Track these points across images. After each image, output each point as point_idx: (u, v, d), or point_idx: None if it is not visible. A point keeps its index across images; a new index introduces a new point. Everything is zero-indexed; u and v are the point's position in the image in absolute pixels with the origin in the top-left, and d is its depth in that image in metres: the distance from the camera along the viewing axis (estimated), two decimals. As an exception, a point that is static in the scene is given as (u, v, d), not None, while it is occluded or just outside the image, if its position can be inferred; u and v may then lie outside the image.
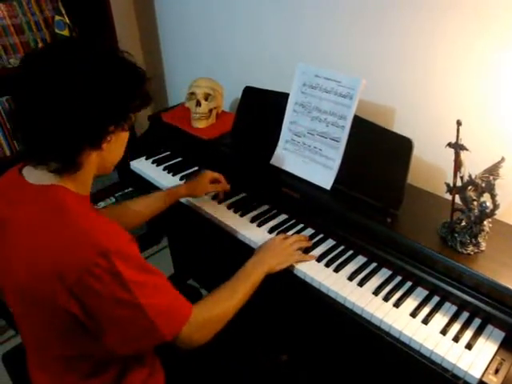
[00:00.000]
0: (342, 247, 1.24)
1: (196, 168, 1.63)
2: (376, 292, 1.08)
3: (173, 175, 1.59)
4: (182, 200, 1.45)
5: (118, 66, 0.84)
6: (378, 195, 1.22)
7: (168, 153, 1.73)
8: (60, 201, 0.80)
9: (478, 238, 1.07)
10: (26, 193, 0.83)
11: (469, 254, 1.06)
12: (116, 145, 0.89)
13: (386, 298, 1.07)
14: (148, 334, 0.82)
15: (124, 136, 0.92)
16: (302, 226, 1.32)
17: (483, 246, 1.07)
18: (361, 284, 1.11)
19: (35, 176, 0.83)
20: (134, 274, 0.77)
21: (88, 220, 0.79)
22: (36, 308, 0.80)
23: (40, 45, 1.86)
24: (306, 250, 1.21)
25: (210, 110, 1.69)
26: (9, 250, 0.81)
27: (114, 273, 0.74)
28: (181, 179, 1.56)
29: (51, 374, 0.91)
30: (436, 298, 1.07)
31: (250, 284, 1.05)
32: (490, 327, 1.00)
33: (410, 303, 1.06)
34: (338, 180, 1.30)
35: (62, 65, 0.78)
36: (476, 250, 1.06)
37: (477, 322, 1.01)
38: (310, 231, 1.30)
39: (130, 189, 2.31)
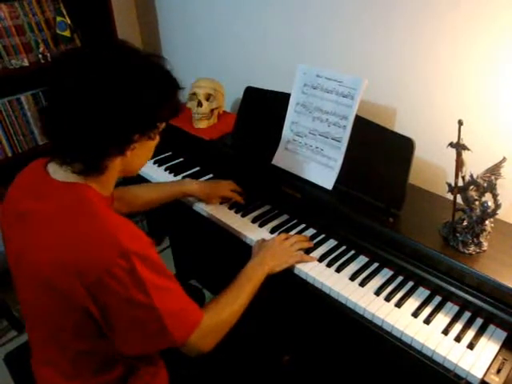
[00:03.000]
0: (344, 247, 1.24)
1: (197, 168, 1.63)
2: (378, 292, 1.08)
3: (174, 175, 1.59)
4: (184, 200, 1.45)
5: (150, 73, 0.83)
6: (380, 195, 1.22)
7: (169, 153, 1.73)
8: (85, 198, 0.81)
9: (480, 238, 1.07)
10: (51, 188, 0.84)
11: (470, 254, 1.06)
12: (141, 152, 0.89)
13: (388, 298, 1.07)
14: (159, 337, 0.82)
15: (151, 144, 0.91)
16: (303, 226, 1.32)
17: (485, 245, 1.07)
18: (362, 284, 1.11)
19: (61, 174, 0.84)
20: (152, 277, 0.78)
21: (111, 220, 0.80)
22: (53, 298, 0.80)
23: (41, 46, 1.86)
24: (308, 251, 1.21)
25: (212, 111, 1.70)
26: (30, 240, 0.82)
27: (132, 274, 0.75)
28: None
29: (57, 369, 0.92)
30: (438, 298, 1.07)
31: (251, 287, 1.05)
32: (491, 327, 1.00)
33: (412, 303, 1.06)
34: (339, 180, 1.30)
35: (95, 68, 0.78)
36: (478, 250, 1.06)
37: (479, 321, 1.01)
38: (311, 231, 1.30)
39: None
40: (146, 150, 0.91)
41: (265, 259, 1.13)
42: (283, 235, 1.23)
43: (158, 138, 0.93)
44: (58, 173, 0.85)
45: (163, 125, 0.91)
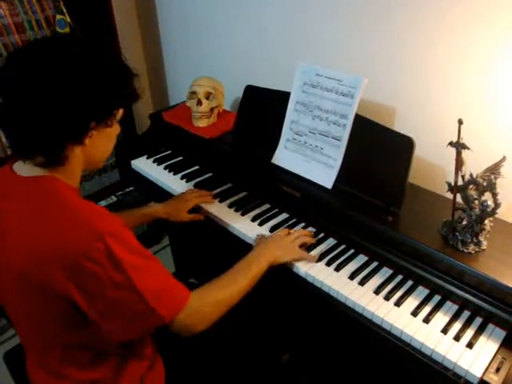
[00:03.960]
0: (343, 246, 1.24)
1: (197, 167, 1.63)
2: (377, 291, 1.08)
3: (174, 174, 1.59)
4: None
5: (102, 61, 0.83)
6: (380, 194, 1.22)
7: (169, 152, 1.73)
8: (53, 189, 0.82)
9: (479, 237, 1.07)
10: (18, 184, 0.84)
11: (470, 253, 1.06)
12: (100, 140, 0.88)
13: (387, 297, 1.07)
14: (144, 317, 0.82)
15: (110, 132, 0.90)
16: (303, 225, 1.32)
17: (484, 244, 1.07)
18: (362, 283, 1.11)
19: (25, 169, 0.84)
20: (129, 257, 0.78)
21: (82, 205, 0.81)
22: (34, 294, 0.81)
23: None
24: (308, 249, 1.21)
25: (211, 109, 1.69)
26: (4, 239, 0.82)
27: (110, 255, 0.76)
28: (182, 178, 1.56)
29: (48, 370, 0.92)
30: (437, 297, 1.07)
31: (252, 273, 1.04)
32: (490, 326, 1.00)
33: (411, 302, 1.06)
34: (339, 179, 1.30)
35: (44, 61, 0.78)
36: (477, 249, 1.06)
37: (478, 320, 1.01)
38: (310, 230, 1.30)
39: (131, 188, 2.31)
40: (105, 138, 0.90)
41: (268, 249, 1.13)
42: (286, 230, 1.23)
43: (117, 127, 0.92)
44: (23, 169, 0.85)
45: (120, 112, 0.90)
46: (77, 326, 0.83)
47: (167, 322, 0.84)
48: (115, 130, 0.92)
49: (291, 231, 1.24)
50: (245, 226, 1.31)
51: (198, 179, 1.55)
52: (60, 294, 0.77)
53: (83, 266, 0.74)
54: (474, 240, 1.07)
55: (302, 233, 1.23)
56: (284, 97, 1.41)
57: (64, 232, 0.76)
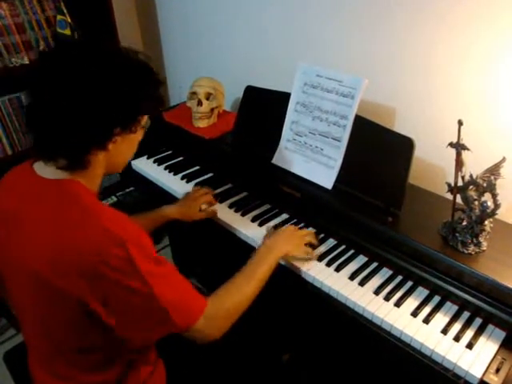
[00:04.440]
0: (343, 247, 1.24)
1: (197, 167, 1.63)
2: (377, 291, 1.08)
3: (174, 174, 1.59)
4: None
5: (127, 67, 0.84)
6: (380, 195, 1.22)
7: (169, 152, 1.73)
8: (75, 193, 0.82)
9: (479, 238, 1.07)
10: (39, 186, 0.84)
11: (470, 254, 1.06)
12: (124, 146, 0.89)
13: (387, 298, 1.07)
14: (161, 325, 0.83)
15: (133, 138, 0.91)
16: (302, 225, 1.32)
17: (484, 245, 1.07)
18: (362, 283, 1.11)
19: (47, 171, 0.84)
20: (148, 264, 0.78)
21: (103, 211, 0.81)
22: (50, 298, 0.80)
23: (42, 44, 1.86)
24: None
25: (212, 110, 1.70)
26: (21, 240, 0.82)
27: (129, 262, 0.75)
28: (182, 179, 1.56)
29: (52, 370, 0.91)
30: (437, 298, 1.07)
31: (262, 272, 1.03)
32: (490, 327, 1.00)
33: (411, 303, 1.06)
34: (339, 179, 1.30)
35: (74, 65, 0.79)
36: (477, 250, 1.07)
37: (478, 321, 1.01)
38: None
39: (132, 188, 2.31)
40: (128, 144, 0.91)
41: (277, 243, 1.13)
42: (292, 226, 1.24)
43: (141, 133, 0.93)
44: (44, 171, 0.85)
45: (145, 118, 0.91)
46: (89, 331, 0.82)
47: (184, 330, 0.84)
48: (139, 136, 0.93)
49: (297, 228, 1.23)
50: (245, 227, 1.31)
51: (199, 179, 1.55)
52: (76, 299, 0.76)
53: (102, 273, 0.74)
54: (474, 241, 1.07)
55: (309, 232, 1.24)
56: (284, 97, 1.41)
57: (84, 238, 0.76)
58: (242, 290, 0.98)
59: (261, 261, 1.06)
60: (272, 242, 1.13)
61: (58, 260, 0.76)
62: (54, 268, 0.77)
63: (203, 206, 1.37)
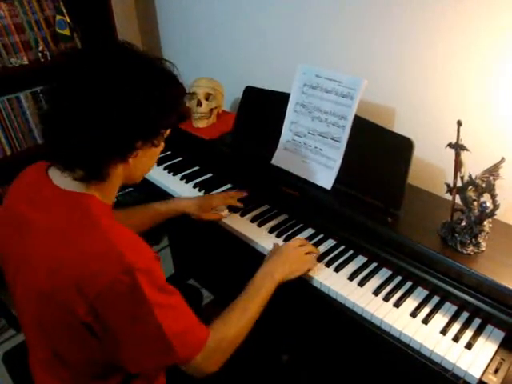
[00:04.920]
0: (343, 247, 1.24)
1: (196, 167, 1.63)
2: (376, 292, 1.08)
3: (173, 175, 1.59)
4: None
5: (155, 78, 0.80)
6: (379, 195, 1.22)
7: (168, 152, 1.73)
8: (87, 210, 0.79)
9: (478, 238, 1.07)
10: (52, 196, 0.81)
11: (469, 254, 1.06)
12: (144, 159, 0.86)
13: (387, 298, 1.07)
14: (162, 355, 0.80)
15: (154, 151, 0.88)
16: (302, 225, 1.32)
17: (483, 246, 1.07)
18: (361, 284, 1.11)
19: (63, 181, 0.81)
20: (156, 294, 0.75)
21: (114, 232, 0.77)
22: (53, 311, 0.78)
23: (41, 44, 1.86)
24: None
25: (211, 110, 1.70)
26: (30, 250, 0.80)
27: (135, 290, 0.72)
28: (181, 179, 1.56)
29: (53, 373, 0.91)
30: (436, 298, 1.07)
31: (261, 299, 1.00)
32: (489, 327, 1.00)
33: (410, 303, 1.06)
34: (338, 180, 1.30)
35: (98, 73, 0.76)
36: (476, 250, 1.07)
37: (477, 321, 1.02)
38: (310, 231, 1.30)
39: (131, 188, 2.31)
40: (149, 157, 0.88)
41: (275, 267, 1.07)
42: (298, 241, 1.18)
43: (162, 145, 0.90)
44: (59, 179, 0.82)
45: (168, 131, 0.88)
46: (92, 348, 0.80)
47: (184, 362, 0.82)
48: (160, 148, 0.90)
49: (303, 242, 1.18)
50: (244, 227, 1.31)
51: (198, 180, 1.55)
52: (79, 318, 0.74)
53: (106, 297, 0.72)
54: (473, 241, 1.07)
55: (310, 248, 1.18)
56: (283, 98, 1.41)
57: (91, 259, 0.73)
58: (238, 323, 0.94)
59: (256, 292, 1.01)
60: (270, 266, 1.07)
61: (62, 280, 0.74)
62: (58, 287, 0.74)
63: (226, 212, 1.34)
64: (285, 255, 1.11)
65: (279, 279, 1.05)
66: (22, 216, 0.82)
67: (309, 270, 1.13)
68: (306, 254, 1.15)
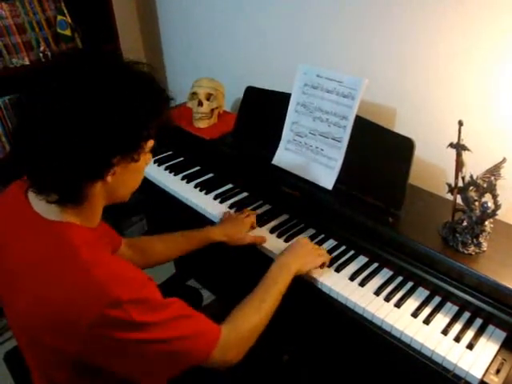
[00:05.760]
0: (344, 247, 1.24)
1: (198, 168, 1.63)
2: (377, 292, 1.08)
3: (174, 175, 1.59)
4: (182, 199, 1.47)
5: (129, 83, 0.72)
6: (380, 195, 1.22)
7: (169, 153, 1.73)
8: (66, 242, 0.73)
9: (480, 239, 1.07)
10: (32, 226, 0.76)
11: (470, 255, 1.06)
12: (125, 176, 0.77)
13: (388, 298, 1.07)
14: (178, 364, 0.79)
15: (136, 166, 0.78)
16: (302, 226, 1.32)
17: (484, 246, 1.07)
18: (362, 284, 1.11)
19: (39, 205, 0.76)
20: (152, 316, 0.72)
21: (97, 265, 0.71)
22: (43, 351, 0.76)
23: (42, 44, 1.86)
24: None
25: (212, 110, 1.70)
26: (15, 284, 0.75)
27: (129, 321, 0.69)
28: (182, 179, 1.56)
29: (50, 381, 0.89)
30: (437, 299, 1.07)
31: (278, 291, 0.99)
32: (491, 327, 1.00)
33: (411, 303, 1.06)
34: (339, 180, 1.30)
35: (67, 81, 0.69)
36: (477, 251, 1.07)
37: (478, 322, 1.01)
38: (311, 231, 1.30)
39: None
40: (131, 172, 0.79)
41: (291, 259, 1.08)
42: (306, 238, 1.19)
43: (146, 158, 0.81)
44: (36, 202, 0.76)
45: (150, 143, 0.79)
46: (90, 375, 0.78)
47: (201, 362, 0.80)
48: (143, 162, 0.81)
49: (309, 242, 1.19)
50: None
51: (199, 180, 1.55)
52: (73, 357, 0.72)
53: (98, 332, 0.68)
54: (474, 241, 1.07)
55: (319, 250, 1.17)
56: (284, 98, 1.41)
57: (74, 298, 0.68)
58: (255, 316, 0.92)
59: (272, 283, 1.00)
60: (284, 261, 1.07)
61: (43, 318, 0.70)
62: (45, 329, 0.71)
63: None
64: (298, 248, 1.12)
65: (295, 270, 1.05)
66: (5, 245, 0.78)
67: (322, 262, 1.13)
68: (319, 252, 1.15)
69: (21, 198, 0.79)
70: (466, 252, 1.06)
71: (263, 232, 1.29)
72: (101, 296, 0.67)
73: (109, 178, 0.74)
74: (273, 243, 1.25)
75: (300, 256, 1.10)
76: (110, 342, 0.70)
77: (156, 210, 2.13)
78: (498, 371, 0.90)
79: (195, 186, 1.52)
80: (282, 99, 1.41)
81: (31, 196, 0.78)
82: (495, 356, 0.94)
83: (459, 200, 1.09)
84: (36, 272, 0.72)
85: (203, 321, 0.83)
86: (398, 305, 1.05)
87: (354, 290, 1.09)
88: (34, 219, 0.76)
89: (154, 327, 0.73)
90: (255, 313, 0.93)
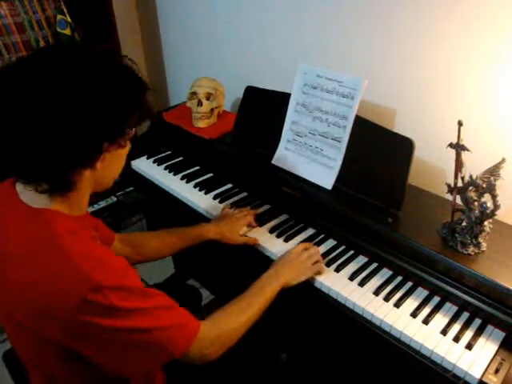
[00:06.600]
0: (343, 247, 1.24)
1: (197, 167, 1.63)
2: (377, 292, 1.08)
3: (174, 175, 1.59)
4: (181, 198, 1.46)
5: (113, 74, 0.76)
6: (379, 195, 1.22)
7: (169, 152, 1.73)
8: (49, 230, 0.74)
9: (479, 239, 1.07)
10: (18, 215, 0.78)
11: (469, 255, 1.06)
12: (112, 162, 0.82)
13: (387, 298, 1.07)
14: (155, 355, 0.80)
15: (122, 152, 0.84)
16: (302, 225, 1.32)
17: (484, 246, 1.07)
18: (361, 284, 1.11)
19: (28, 195, 0.78)
20: (133, 303, 0.75)
21: (78, 252, 0.73)
22: (31, 337, 0.77)
23: (42, 43, 1.86)
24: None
25: (212, 110, 1.70)
26: (2, 278, 0.77)
27: (110, 306, 0.71)
28: (182, 179, 1.56)
29: (47, 378, 0.90)
30: (436, 299, 1.07)
31: (264, 299, 1.01)
32: (490, 327, 1.00)
33: (411, 303, 1.06)
34: (339, 180, 1.30)
35: (47, 74, 0.70)
36: (476, 251, 1.07)
37: (477, 322, 1.02)
38: (310, 231, 1.30)
39: (131, 188, 2.31)
40: (117, 159, 0.84)
41: (281, 271, 1.09)
42: (302, 245, 1.18)
43: (128, 146, 0.86)
44: (24, 194, 0.78)
45: (133, 131, 0.84)
46: (77, 361, 0.79)
47: (178, 356, 0.81)
48: (126, 149, 0.86)
49: (307, 246, 1.18)
50: (244, 227, 1.31)
51: (198, 180, 1.55)
52: (57, 342, 0.74)
53: (80, 319, 0.70)
54: (474, 241, 1.07)
55: (315, 251, 1.17)
56: (284, 98, 1.41)
57: (57, 282, 0.70)
58: (238, 318, 0.94)
59: (259, 291, 1.02)
60: (275, 271, 1.09)
61: (29, 305, 0.72)
62: (30, 315, 0.73)
63: (244, 229, 1.29)
64: (292, 258, 1.13)
65: (284, 281, 1.07)
66: None
67: (315, 274, 1.13)
68: (315, 259, 1.14)
69: (9, 189, 0.81)
70: (465, 252, 1.06)
71: (263, 232, 1.29)
72: (82, 281, 0.70)
73: (98, 165, 0.78)
74: (272, 243, 1.25)
75: (292, 267, 1.10)
76: (89, 329, 0.72)
77: (155, 210, 2.13)
78: (496, 371, 0.90)
79: (195, 186, 1.52)
80: (282, 99, 1.41)
81: (19, 187, 0.80)
82: (494, 356, 0.94)
83: (458, 200, 1.09)
84: (22, 259, 0.74)
85: (184, 314, 0.84)
86: (397, 305, 1.05)
87: (354, 290, 1.09)
88: (19, 208, 0.78)
89: (134, 314, 0.74)
90: (238, 315, 0.94)
